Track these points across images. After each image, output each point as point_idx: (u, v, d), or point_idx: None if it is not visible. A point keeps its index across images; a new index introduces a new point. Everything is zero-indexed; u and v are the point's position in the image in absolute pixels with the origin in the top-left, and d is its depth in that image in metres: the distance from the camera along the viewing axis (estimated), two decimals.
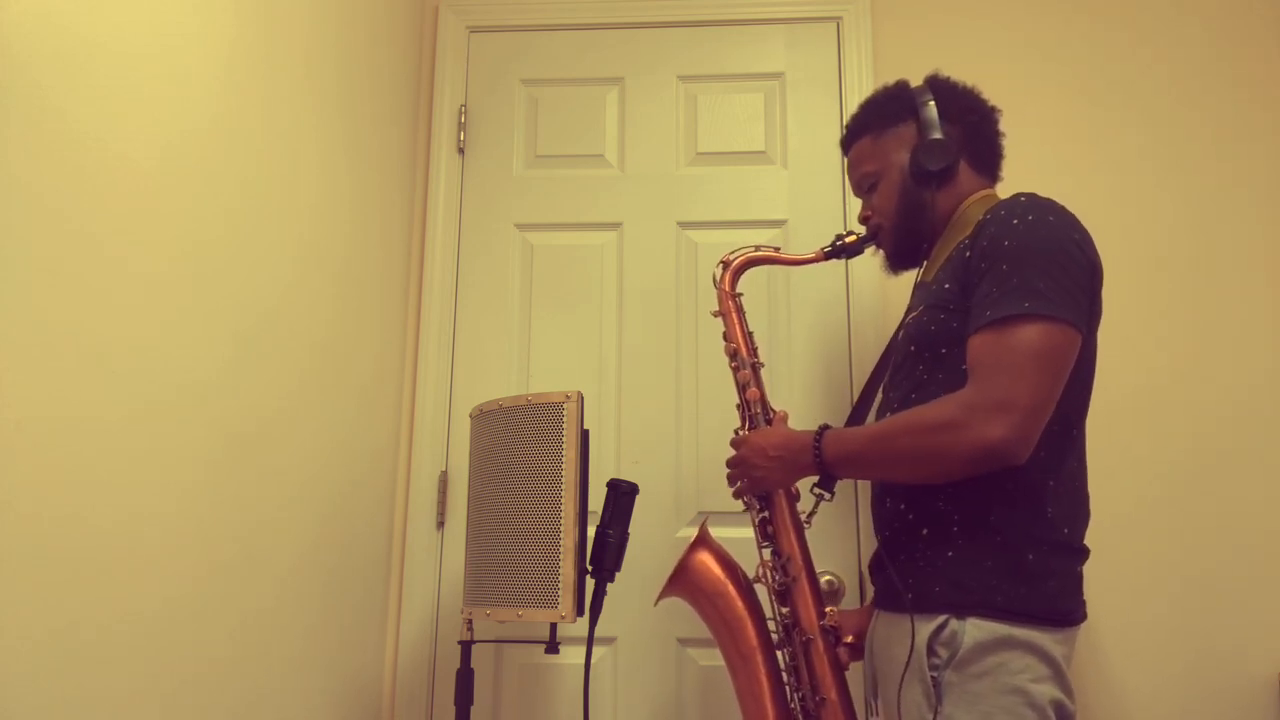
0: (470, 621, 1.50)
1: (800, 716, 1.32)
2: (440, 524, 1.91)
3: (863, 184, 1.45)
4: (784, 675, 1.35)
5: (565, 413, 1.42)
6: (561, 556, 1.38)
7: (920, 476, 1.21)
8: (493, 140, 2.06)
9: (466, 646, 1.51)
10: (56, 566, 0.91)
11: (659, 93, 2.06)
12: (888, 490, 1.30)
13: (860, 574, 1.81)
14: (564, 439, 1.41)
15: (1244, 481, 1.79)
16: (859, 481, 1.82)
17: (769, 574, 1.36)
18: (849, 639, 1.32)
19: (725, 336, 1.50)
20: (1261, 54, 1.95)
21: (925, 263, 1.40)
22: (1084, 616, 1.20)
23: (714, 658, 1.74)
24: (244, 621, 1.28)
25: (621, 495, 1.45)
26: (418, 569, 1.89)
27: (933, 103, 1.36)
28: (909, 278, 1.47)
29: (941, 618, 1.15)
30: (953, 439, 1.12)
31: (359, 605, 1.72)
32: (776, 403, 1.62)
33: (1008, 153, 1.42)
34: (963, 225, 1.31)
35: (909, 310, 1.36)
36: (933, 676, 1.14)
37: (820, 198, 1.98)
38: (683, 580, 1.41)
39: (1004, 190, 1.34)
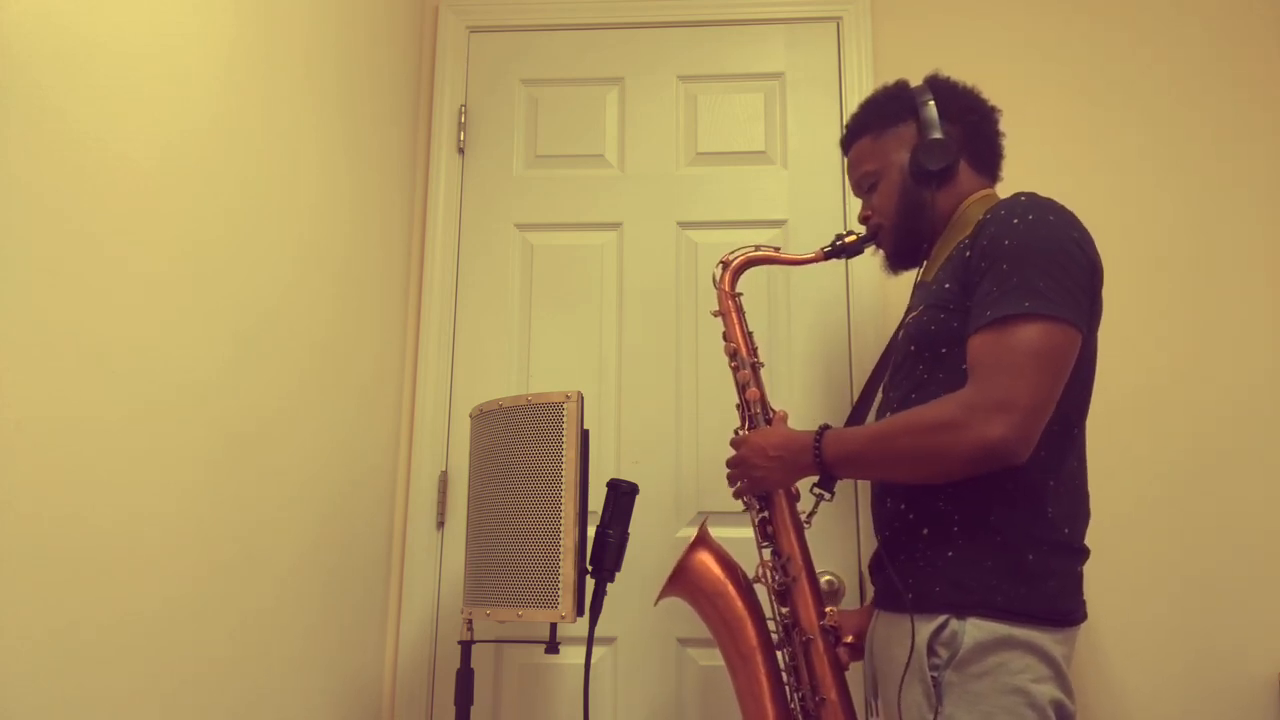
0: (470, 621, 1.50)
1: (800, 716, 1.32)
2: (440, 524, 1.91)
3: (863, 184, 1.45)
4: (784, 675, 1.35)
5: (565, 413, 1.42)
6: (561, 556, 1.38)
7: (920, 476, 1.21)
8: (493, 140, 2.06)
9: (466, 646, 1.51)
10: (56, 566, 0.91)
11: (659, 93, 2.06)
12: (888, 490, 1.30)
13: (860, 574, 1.81)
14: (564, 439, 1.41)
15: (1244, 481, 1.79)
16: (859, 481, 1.82)
17: (769, 574, 1.36)
18: (849, 639, 1.32)
19: (725, 336, 1.50)
20: (1261, 54, 1.95)
21: (925, 262, 1.40)
22: (1084, 616, 1.20)
23: (714, 658, 1.74)
24: (244, 621, 1.28)
25: (621, 495, 1.45)
26: (418, 569, 1.89)
27: (933, 102, 1.36)
28: (909, 278, 1.47)
29: (942, 618, 1.15)
30: (953, 439, 1.12)
31: (359, 605, 1.72)
32: (776, 403, 1.62)
33: (1008, 153, 1.42)
34: (963, 225, 1.31)
35: (909, 310, 1.36)
36: (933, 676, 1.14)
37: (820, 198, 1.98)
38: (682, 580, 1.41)
39: (1004, 190, 1.34)
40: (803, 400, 1.90)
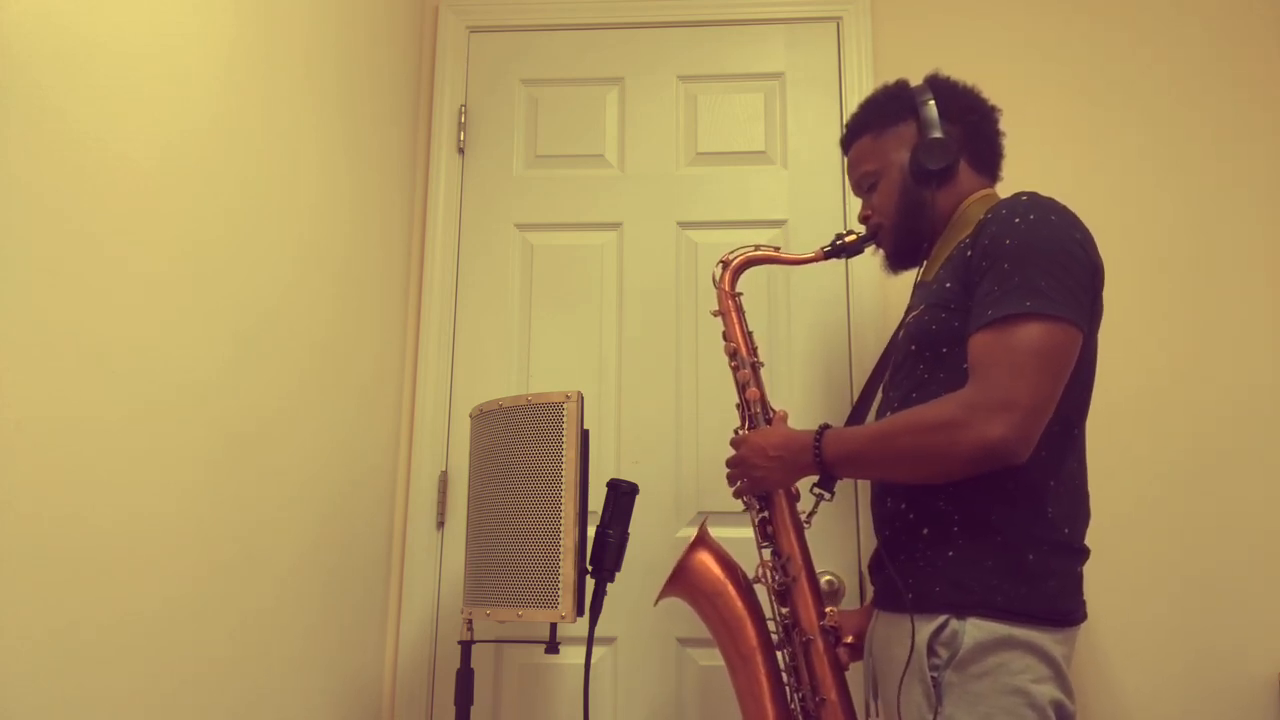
0: (470, 621, 1.50)
1: (800, 717, 1.32)
2: (440, 524, 1.91)
3: (863, 183, 1.45)
4: (784, 675, 1.35)
5: (565, 413, 1.41)
6: (561, 556, 1.38)
7: (921, 476, 1.21)
8: (493, 140, 2.06)
9: (466, 646, 1.51)
10: (56, 566, 0.91)
11: (659, 93, 2.06)
12: (888, 490, 1.30)
13: (860, 574, 1.81)
14: (564, 439, 1.41)
15: (1244, 481, 1.79)
16: (859, 481, 1.82)
17: (769, 574, 1.36)
18: (849, 639, 1.32)
19: (725, 336, 1.50)
20: (1261, 54, 1.95)
21: (925, 262, 1.40)
22: (1084, 616, 1.20)
23: (714, 658, 1.74)
24: (244, 621, 1.28)
25: (621, 495, 1.45)
26: (418, 569, 1.89)
27: (933, 102, 1.36)
28: (909, 277, 1.47)
29: (942, 618, 1.15)
30: (953, 438, 1.12)
31: (359, 605, 1.72)
32: (776, 402, 1.62)
33: (1008, 153, 1.42)
34: (963, 224, 1.31)
35: (909, 309, 1.36)
36: (933, 677, 1.14)
37: (820, 198, 1.98)
38: (682, 580, 1.41)
39: (1004, 190, 1.34)
40: (803, 400, 1.90)
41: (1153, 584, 1.77)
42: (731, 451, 1.40)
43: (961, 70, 1.44)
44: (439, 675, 1.85)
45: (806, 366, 1.92)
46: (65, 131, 0.93)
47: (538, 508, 1.40)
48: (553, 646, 1.42)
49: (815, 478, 1.33)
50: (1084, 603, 1.20)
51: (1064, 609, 1.16)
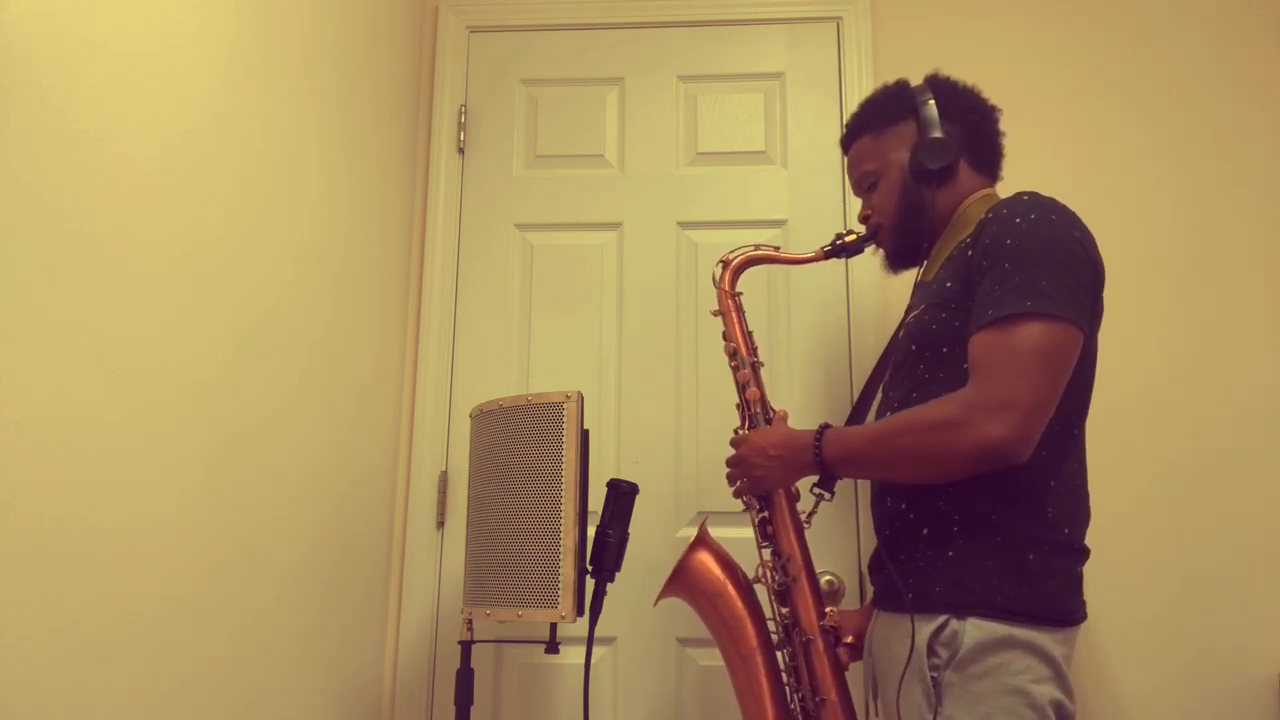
0: (470, 621, 1.50)
1: (800, 717, 1.32)
2: (440, 524, 1.91)
3: (863, 183, 1.44)
4: (784, 676, 1.35)
5: (565, 413, 1.41)
6: (561, 556, 1.38)
7: (921, 476, 1.21)
8: (493, 140, 2.06)
9: (466, 646, 1.51)
10: (56, 566, 0.91)
11: (659, 93, 2.06)
12: (888, 489, 1.30)
13: (860, 574, 1.81)
14: (564, 439, 1.41)
15: (1244, 481, 1.79)
16: (859, 481, 1.82)
17: (769, 574, 1.36)
18: (849, 639, 1.32)
19: (725, 336, 1.50)
20: (1261, 54, 1.95)
21: (925, 262, 1.40)
22: (1084, 616, 1.20)
23: (714, 658, 1.74)
24: (244, 621, 1.28)
25: (621, 495, 1.45)
26: (418, 569, 1.89)
27: (933, 101, 1.36)
28: (909, 277, 1.47)
29: (942, 618, 1.15)
30: (954, 438, 1.12)
31: (359, 605, 1.72)
32: (776, 402, 1.62)
33: (1008, 152, 1.42)
34: (963, 224, 1.31)
35: (909, 309, 1.36)
36: (933, 677, 1.14)
37: (820, 198, 1.98)
38: (682, 580, 1.41)
39: (1004, 190, 1.34)
40: (803, 400, 1.90)
41: (1153, 584, 1.77)
42: (731, 451, 1.40)
43: (961, 70, 1.44)
44: (439, 675, 1.85)
45: (806, 366, 1.92)
46: (65, 131, 0.92)
47: (538, 508, 1.40)
48: (553, 646, 1.42)
49: (815, 478, 1.33)
50: (1084, 603, 1.20)
51: (1064, 609, 1.16)
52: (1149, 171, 1.92)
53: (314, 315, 1.51)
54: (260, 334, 1.33)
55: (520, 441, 1.43)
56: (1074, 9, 2.01)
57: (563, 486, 1.39)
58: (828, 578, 1.79)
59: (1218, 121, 1.93)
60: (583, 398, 1.43)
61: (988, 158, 1.39)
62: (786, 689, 1.34)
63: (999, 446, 1.10)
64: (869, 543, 1.79)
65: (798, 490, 1.39)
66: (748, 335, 1.50)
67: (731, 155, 2.02)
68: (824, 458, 1.25)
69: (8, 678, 0.84)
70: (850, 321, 1.92)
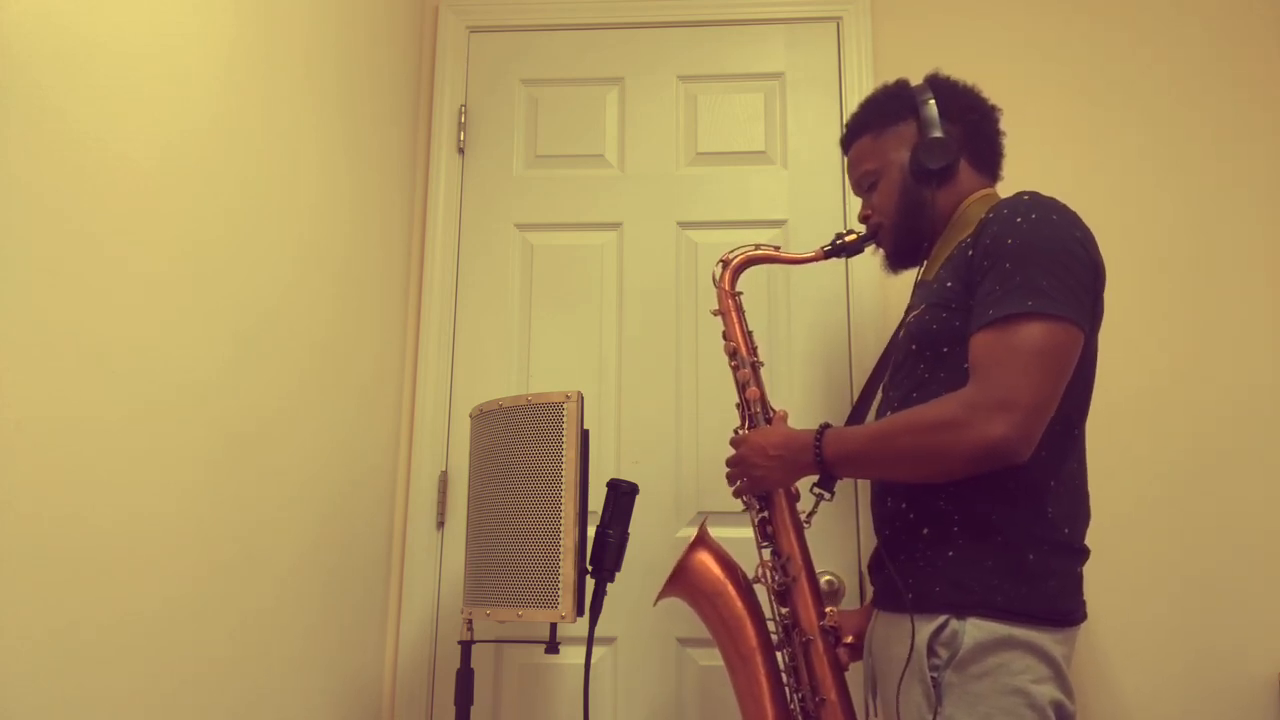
0: (470, 621, 1.50)
1: (800, 717, 1.32)
2: (440, 524, 1.91)
3: (863, 183, 1.44)
4: (783, 676, 1.35)
5: (565, 413, 1.41)
6: (561, 556, 1.38)
7: (921, 475, 1.21)
8: (493, 140, 2.06)
9: (466, 646, 1.51)
10: (56, 566, 0.91)
11: (659, 93, 2.06)
12: (888, 489, 1.30)
13: (860, 574, 1.81)
14: (564, 439, 1.41)
15: (1244, 481, 1.79)
16: (859, 481, 1.82)
17: (769, 574, 1.36)
18: (849, 639, 1.31)
19: (725, 335, 1.50)
20: (1261, 54, 1.95)
21: (925, 262, 1.40)
22: (1084, 616, 1.20)
23: (714, 658, 1.74)
24: (244, 621, 1.28)
25: (621, 495, 1.45)
26: (418, 569, 1.89)
27: (933, 101, 1.36)
28: (909, 277, 1.47)
29: (942, 618, 1.15)
30: (954, 438, 1.12)
31: (359, 605, 1.72)
32: (776, 402, 1.62)
33: (1008, 152, 1.42)
34: (964, 224, 1.31)
35: (910, 309, 1.36)
36: (933, 677, 1.14)
37: (820, 197, 1.98)
38: (682, 580, 1.40)
39: (1004, 190, 1.34)
40: (803, 400, 1.90)
41: (1153, 584, 1.77)
42: (731, 451, 1.40)
43: (961, 70, 1.44)
44: (439, 675, 1.85)
45: (806, 366, 1.92)
46: (65, 131, 0.92)
47: (538, 508, 1.40)
48: (553, 646, 1.42)
49: (815, 477, 1.33)
50: (1084, 603, 1.20)
51: (1064, 609, 1.16)
52: (1149, 171, 1.92)
53: (314, 315, 1.51)
54: (260, 334, 1.33)
55: (520, 441, 1.43)
56: (1074, 9, 2.01)
57: (563, 486, 1.39)
58: (828, 578, 1.79)
59: (1218, 121, 1.93)
60: (583, 398, 1.43)
61: (988, 157, 1.39)
62: (786, 689, 1.34)
63: (999, 446, 1.10)
64: (869, 543, 1.79)
65: (798, 490, 1.39)
66: (748, 335, 1.50)
67: (731, 155, 2.02)
68: (824, 457, 1.25)
69: (8, 678, 0.84)
70: (850, 321, 1.92)
